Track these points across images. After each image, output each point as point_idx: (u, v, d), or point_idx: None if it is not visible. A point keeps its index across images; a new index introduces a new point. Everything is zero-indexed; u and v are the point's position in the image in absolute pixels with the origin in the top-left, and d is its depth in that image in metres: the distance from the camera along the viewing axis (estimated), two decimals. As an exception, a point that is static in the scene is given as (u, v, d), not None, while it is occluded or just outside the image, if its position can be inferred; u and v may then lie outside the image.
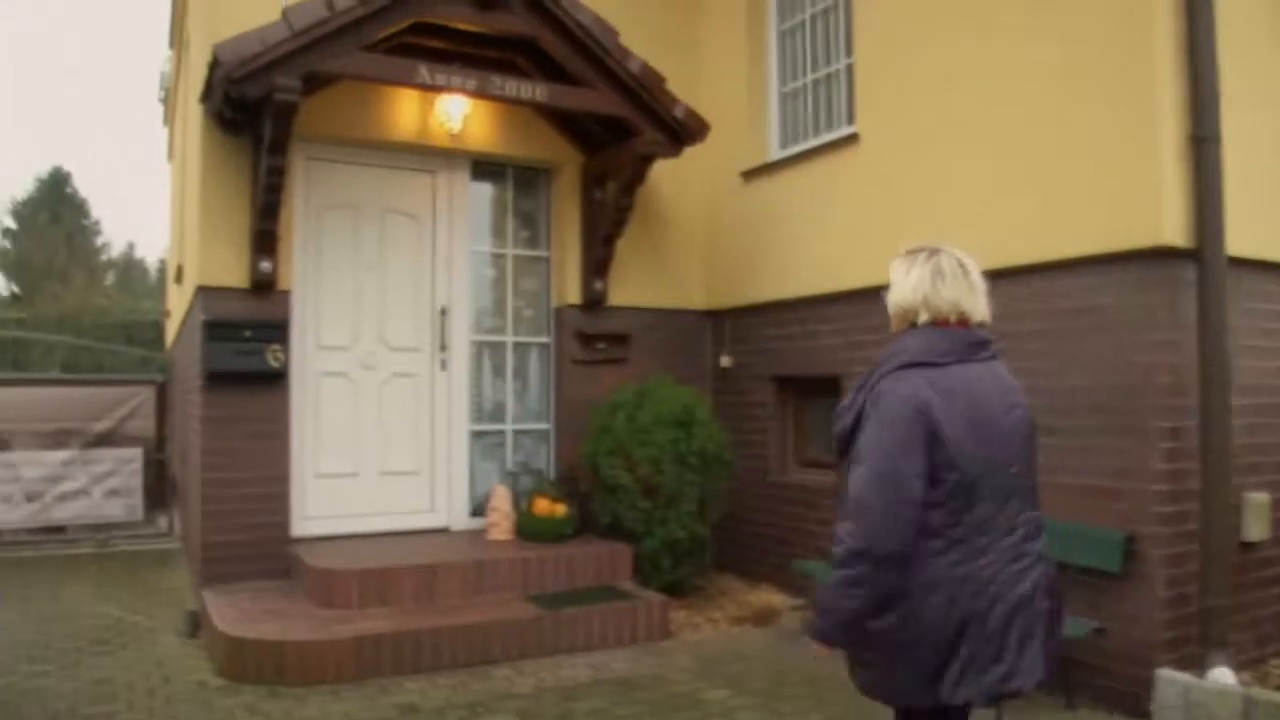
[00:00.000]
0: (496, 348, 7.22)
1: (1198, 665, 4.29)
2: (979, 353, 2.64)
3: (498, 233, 7.29)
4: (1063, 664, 4.41)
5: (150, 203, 46.32)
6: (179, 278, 9.01)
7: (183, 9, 9.20)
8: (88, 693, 4.72)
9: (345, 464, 6.58)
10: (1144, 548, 4.43)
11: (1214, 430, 4.39)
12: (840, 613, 2.55)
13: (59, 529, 8.45)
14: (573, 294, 7.19)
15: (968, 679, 2.45)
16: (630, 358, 7.28)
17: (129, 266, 36.31)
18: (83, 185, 39.69)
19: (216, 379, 5.99)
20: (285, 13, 5.33)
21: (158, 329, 17.42)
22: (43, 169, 36.10)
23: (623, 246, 7.09)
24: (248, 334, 6.02)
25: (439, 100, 6.55)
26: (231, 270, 6.10)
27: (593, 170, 7.13)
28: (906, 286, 2.68)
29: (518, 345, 7.29)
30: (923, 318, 2.64)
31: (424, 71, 5.78)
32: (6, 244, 30.89)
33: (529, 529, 6.45)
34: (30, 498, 8.34)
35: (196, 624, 5.69)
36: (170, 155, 14.42)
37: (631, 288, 7.34)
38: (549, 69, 6.37)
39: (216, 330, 5.96)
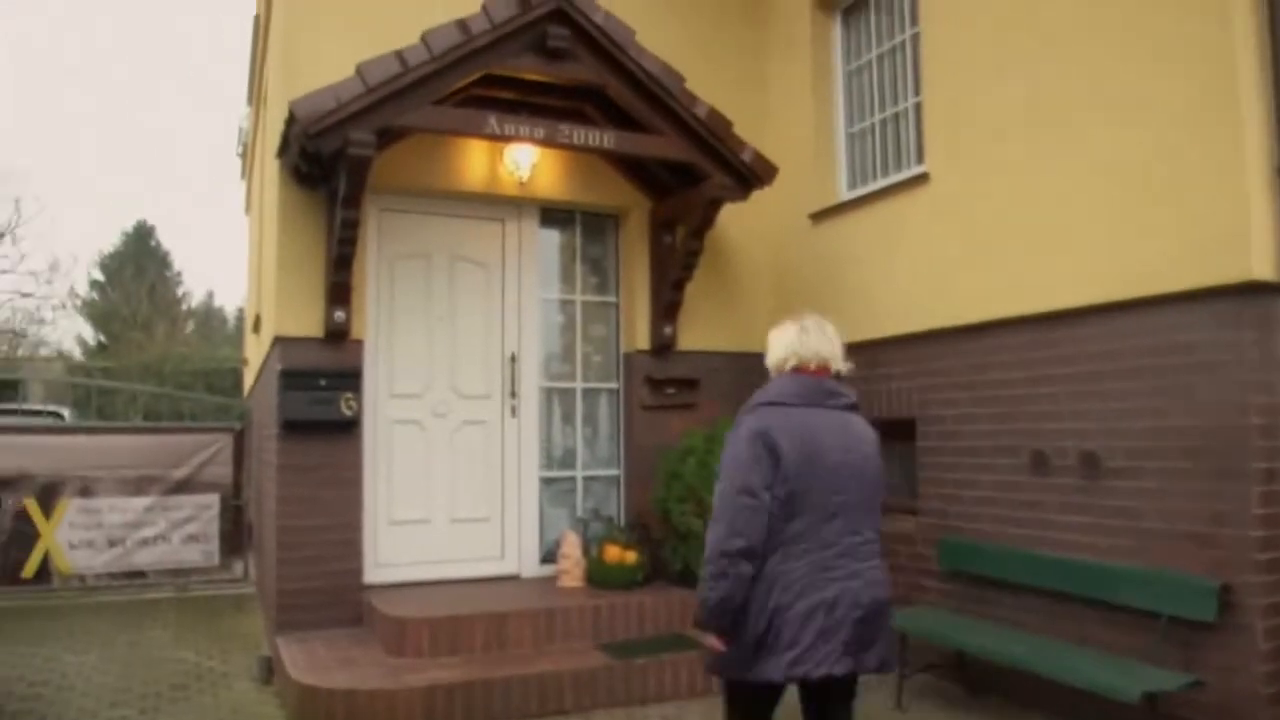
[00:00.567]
0: (566, 394, 7.23)
1: (1306, 724, 4.06)
2: (828, 400, 3.27)
3: (566, 279, 7.34)
4: (1154, 717, 4.24)
5: (229, 253, 47.75)
6: (257, 327, 9.22)
7: (261, 67, 9.52)
8: (166, 740, 4.76)
9: (417, 511, 6.62)
10: (1240, 597, 4.23)
11: (1314, 475, 4.20)
12: (709, 602, 3.07)
13: (139, 574, 8.60)
14: (641, 339, 7.18)
15: (768, 659, 3.02)
16: (699, 402, 7.23)
17: (208, 315, 37.36)
18: (165, 238, 41.02)
19: (292, 427, 6.08)
20: (359, 69, 5.46)
21: (235, 375, 17.86)
22: (128, 223, 37.40)
23: (691, 290, 7.08)
24: (322, 383, 6.11)
25: (508, 149, 6.64)
26: (307, 320, 6.21)
27: (661, 215, 7.14)
28: (780, 343, 3.39)
29: (587, 391, 7.29)
30: (790, 364, 3.33)
31: (493, 122, 5.86)
32: (94, 296, 31.99)
33: (599, 576, 6.40)
34: (112, 543, 8.51)
35: (270, 670, 5.73)
36: (248, 208, 14.86)
37: (700, 331, 7.31)
38: (615, 116, 6.43)
39: (292, 379, 6.07)
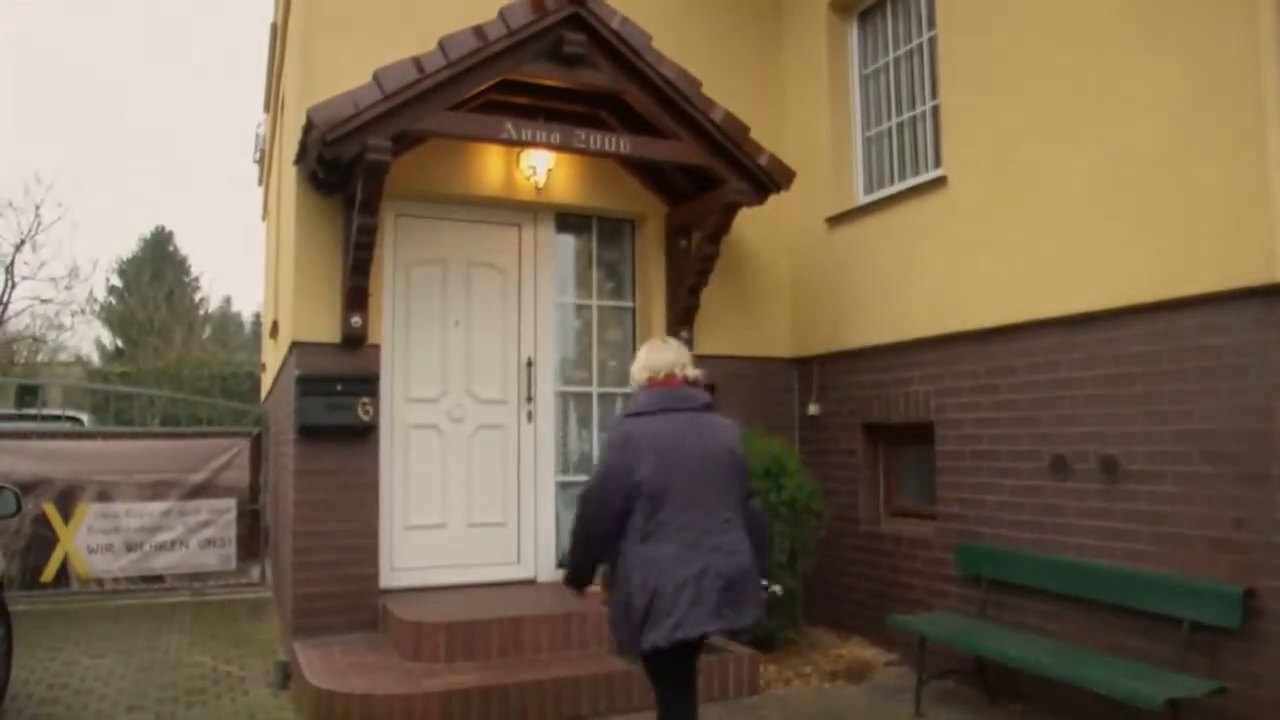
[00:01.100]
0: (582, 399, 7.23)
1: (1332, 732, 4.01)
2: (681, 404, 3.83)
3: (582, 284, 7.34)
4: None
5: (246, 258, 48.02)
6: (274, 333, 9.25)
7: (279, 74, 9.57)
8: (184, 744, 4.77)
9: (433, 515, 6.63)
10: (1265, 602, 4.17)
11: (1340, 480, 4.14)
12: (570, 566, 3.97)
13: (157, 578, 8.66)
14: (657, 343, 7.15)
15: (654, 629, 3.55)
16: (716, 407, 7.18)
17: (225, 320, 37.56)
18: (183, 243, 41.33)
19: (309, 432, 6.09)
20: (376, 75, 5.47)
21: (252, 380, 17.92)
22: (147, 229, 37.64)
23: (708, 295, 7.07)
24: (339, 388, 6.13)
25: (524, 155, 6.65)
26: (324, 326, 6.23)
27: (677, 220, 7.14)
28: (638, 364, 4.01)
29: (603, 396, 7.29)
30: (646, 377, 3.94)
31: (509, 127, 5.87)
32: (113, 301, 32.20)
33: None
34: (130, 547, 8.57)
35: (287, 675, 5.73)
36: (265, 214, 14.92)
37: (717, 336, 7.30)
38: (632, 121, 6.43)
39: (310, 385, 6.08)
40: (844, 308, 7.03)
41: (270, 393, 10.03)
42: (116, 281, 33.51)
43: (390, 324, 6.58)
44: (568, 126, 6.09)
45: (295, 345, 6.27)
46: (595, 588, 4.03)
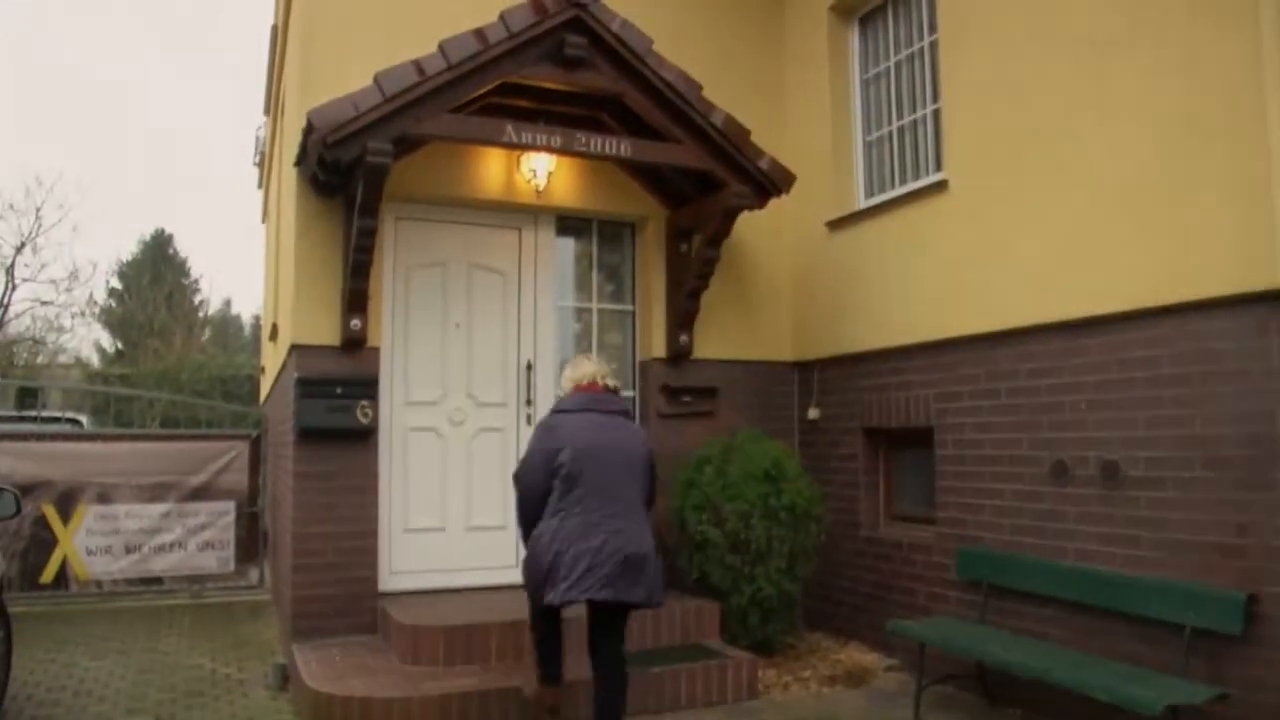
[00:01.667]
0: (581, 401, 7.20)
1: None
2: (599, 406, 4.63)
3: (582, 287, 7.33)
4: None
5: (245, 261, 48.05)
6: (273, 335, 9.24)
7: (279, 76, 9.57)
8: (182, 747, 4.76)
9: (433, 519, 6.62)
10: (1268, 608, 4.16)
11: (1341, 485, 4.13)
12: (521, 533, 4.74)
13: (156, 580, 8.65)
14: (658, 347, 7.17)
15: (552, 588, 4.31)
16: (716, 411, 7.21)
17: (225, 323, 37.54)
18: (183, 245, 41.34)
19: (308, 435, 6.09)
20: (377, 78, 5.47)
21: (252, 383, 17.93)
22: (147, 231, 37.62)
23: (708, 299, 7.06)
24: (339, 391, 6.12)
25: (524, 158, 6.65)
26: (324, 328, 6.22)
27: (677, 223, 7.13)
28: (565, 375, 4.91)
29: (602, 399, 7.26)
30: (572, 383, 4.78)
31: (510, 130, 5.87)
32: (112, 303, 32.19)
33: (615, 585, 6.37)
34: (129, 549, 8.57)
35: (286, 678, 5.73)
36: (264, 217, 14.93)
37: (717, 340, 7.29)
38: (633, 124, 6.43)
39: (309, 387, 6.08)
40: (844, 311, 7.03)
41: (270, 395, 10.03)
42: (116, 284, 33.50)
43: (390, 327, 6.57)
44: (568, 129, 6.09)
45: (295, 348, 6.26)
46: None
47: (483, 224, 6.93)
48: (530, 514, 4.59)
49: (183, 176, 56.16)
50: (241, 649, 6.75)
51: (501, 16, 5.74)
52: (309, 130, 5.61)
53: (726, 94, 6.62)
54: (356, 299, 6.14)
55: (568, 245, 7.30)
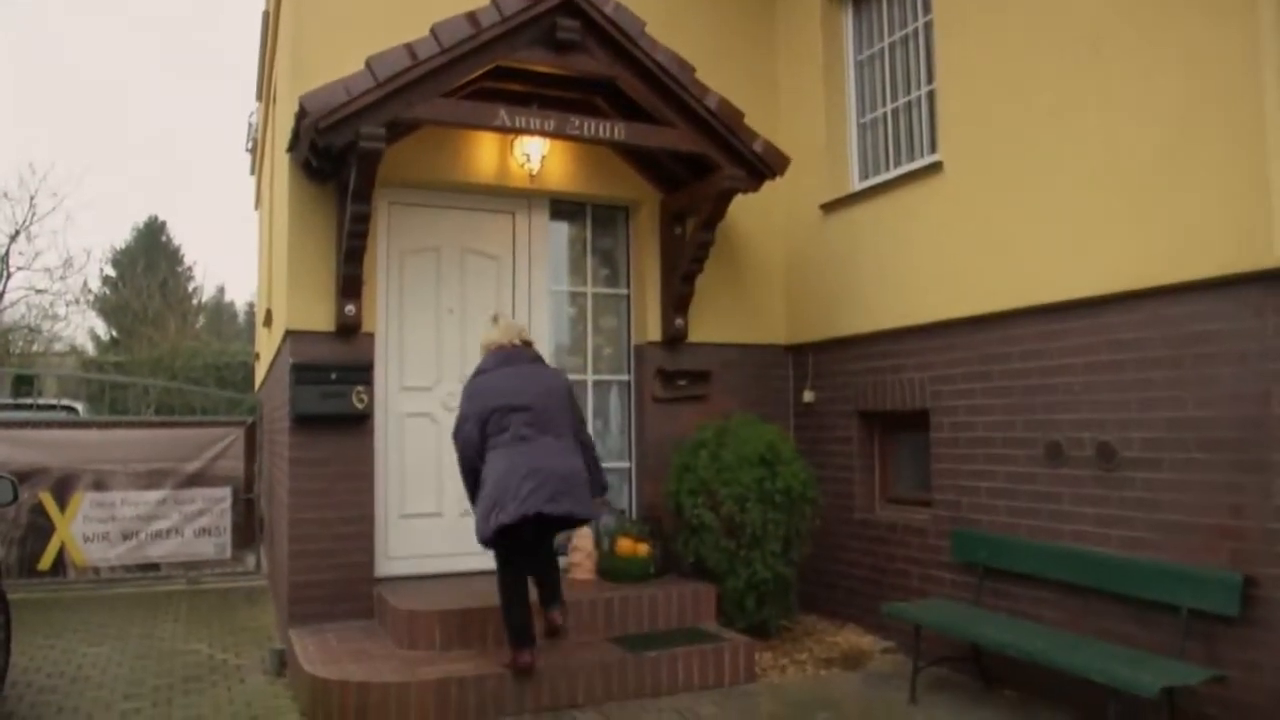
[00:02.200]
0: (576, 386, 7.19)
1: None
2: (513, 360, 5.20)
3: (577, 271, 7.32)
4: (1173, 712, 4.21)
5: (239, 248, 47.91)
6: (268, 321, 9.22)
7: (271, 62, 9.52)
8: (180, 733, 4.77)
9: (428, 504, 6.62)
10: (1264, 590, 4.17)
11: (1335, 466, 4.14)
12: (467, 490, 5.26)
13: (153, 566, 8.67)
14: (653, 331, 7.16)
15: (503, 510, 4.80)
16: (711, 394, 7.21)
17: (219, 310, 37.46)
18: (176, 233, 41.19)
19: (304, 421, 6.08)
20: (369, 63, 5.44)
21: (246, 370, 17.91)
22: (140, 218, 37.51)
23: (703, 282, 7.05)
24: (333, 376, 6.11)
25: (518, 142, 6.62)
26: (318, 314, 6.21)
27: (672, 207, 7.11)
28: (481, 342, 5.40)
29: (597, 383, 7.28)
30: (492, 344, 5.30)
31: (503, 114, 5.84)
32: (106, 291, 32.11)
33: (611, 569, 6.40)
34: (126, 536, 8.58)
35: (283, 663, 5.74)
36: (258, 203, 14.88)
37: (712, 324, 7.29)
38: (626, 108, 6.40)
39: (304, 373, 6.07)
40: (839, 294, 7.02)
41: (264, 382, 10.01)
42: (110, 271, 33.42)
43: (384, 312, 6.55)
44: (562, 113, 6.06)
45: (289, 334, 6.25)
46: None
47: (476, 208, 6.90)
48: (470, 464, 5.12)
49: (176, 163, 55.92)
50: (238, 634, 6.76)
51: (493, 0, 5.70)
52: (301, 115, 5.58)
53: (720, 76, 6.59)
54: (350, 284, 6.12)
55: (561, 229, 7.28)
